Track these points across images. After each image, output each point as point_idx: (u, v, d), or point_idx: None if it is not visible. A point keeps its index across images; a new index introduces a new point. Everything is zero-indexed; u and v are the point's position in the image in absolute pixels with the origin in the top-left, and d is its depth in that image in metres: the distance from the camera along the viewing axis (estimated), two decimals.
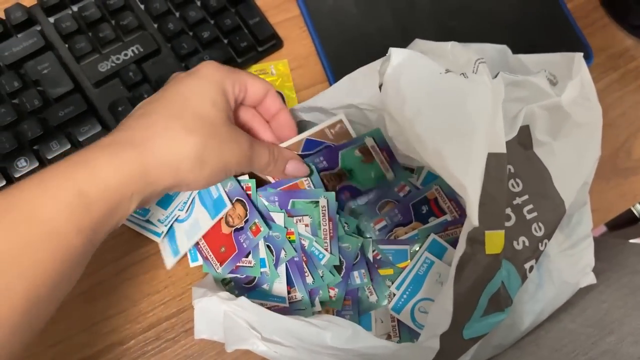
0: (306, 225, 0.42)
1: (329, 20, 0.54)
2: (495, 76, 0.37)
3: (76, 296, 0.45)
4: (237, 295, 0.37)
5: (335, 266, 0.43)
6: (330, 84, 0.52)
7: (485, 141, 0.32)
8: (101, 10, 0.49)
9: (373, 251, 0.46)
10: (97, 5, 0.50)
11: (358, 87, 0.40)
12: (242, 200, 0.43)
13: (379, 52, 0.52)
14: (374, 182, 0.46)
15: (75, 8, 0.50)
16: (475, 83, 0.34)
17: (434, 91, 0.34)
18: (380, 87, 0.37)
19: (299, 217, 0.43)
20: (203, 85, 0.36)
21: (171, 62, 0.50)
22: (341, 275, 0.43)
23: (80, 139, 0.46)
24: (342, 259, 0.44)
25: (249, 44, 0.51)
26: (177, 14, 0.51)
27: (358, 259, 0.45)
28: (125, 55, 0.49)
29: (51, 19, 0.49)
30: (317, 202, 0.42)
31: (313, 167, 0.44)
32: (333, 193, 0.43)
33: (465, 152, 0.31)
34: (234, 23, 0.51)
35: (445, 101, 0.33)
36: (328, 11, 0.54)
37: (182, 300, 0.46)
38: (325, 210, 0.42)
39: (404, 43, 0.50)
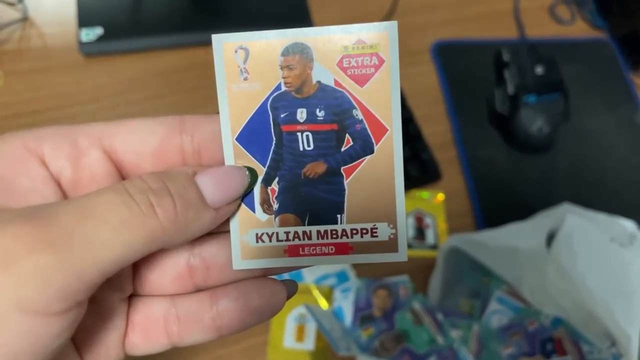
0: (458, 335, 0.50)
1: (482, 166, 0.64)
2: None
3: (238, 351, 0.54)
4: None
5: None
6: (476, 220, 0.62)
7: None
8: None
9: None
10: None
11: (524, 235, 0.49)
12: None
13: (523, 201, 0.62)
14: (427, 345, 0.52)
15: None
16: (633, 253, 0.43)
17: (602, 254, 0.42)
18: (547, 239, 0.46)
19: (454, 328, 0.51)
20: None
21: None
22: None
23: None
24: None
25: (417, 173, 0.61)
26: None
27: None
28: None
29: None
30: (472, 326, 0.50)
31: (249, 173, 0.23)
32: (485, 322, 0.51)
33: (629, 308, 0.39)
34: (408, 154, 0.62)
35: (612, 263, 0.42)
36: (482, 159, 0.65)
37: None
38: (475, 335, 0.50)
39: (544, 200, 0.59)
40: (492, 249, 0.51)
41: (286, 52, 0.22)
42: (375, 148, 0.23)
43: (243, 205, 0.23)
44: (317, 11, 0.73)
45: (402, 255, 0.23)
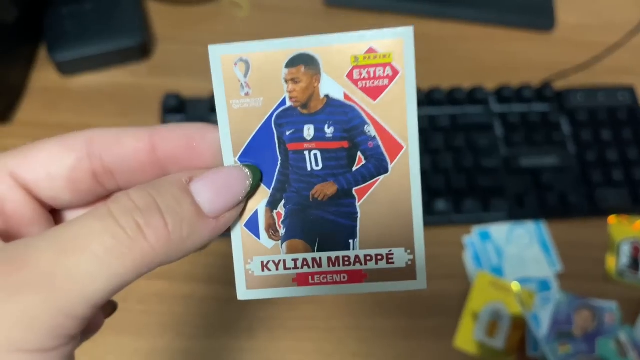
0: None
1: None
2: None
3: (425, 328, 0.52)
4: None
5: None
6: None
7: None
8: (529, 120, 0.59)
9: None
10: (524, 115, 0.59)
11: None
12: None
13: None
14: None
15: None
16: None
17: None
18: None
19: None
20: None
21: (571, 180, 0.57)
22: None
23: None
24: None
25: None
26: (597, 149, 0.58)
27: None
28: (541, 159, 0.57)
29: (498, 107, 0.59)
30: None
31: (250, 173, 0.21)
32: None
33: None
34: None
35: None
36: None
37: None
38: None
39: None
40: None
41: (291, 64, 0.20)
42: (390, 167, 0.21)
43: (247, 231, 0.22)
44: (563, 9, 0.70)
45: (421, 282, 0.21)
